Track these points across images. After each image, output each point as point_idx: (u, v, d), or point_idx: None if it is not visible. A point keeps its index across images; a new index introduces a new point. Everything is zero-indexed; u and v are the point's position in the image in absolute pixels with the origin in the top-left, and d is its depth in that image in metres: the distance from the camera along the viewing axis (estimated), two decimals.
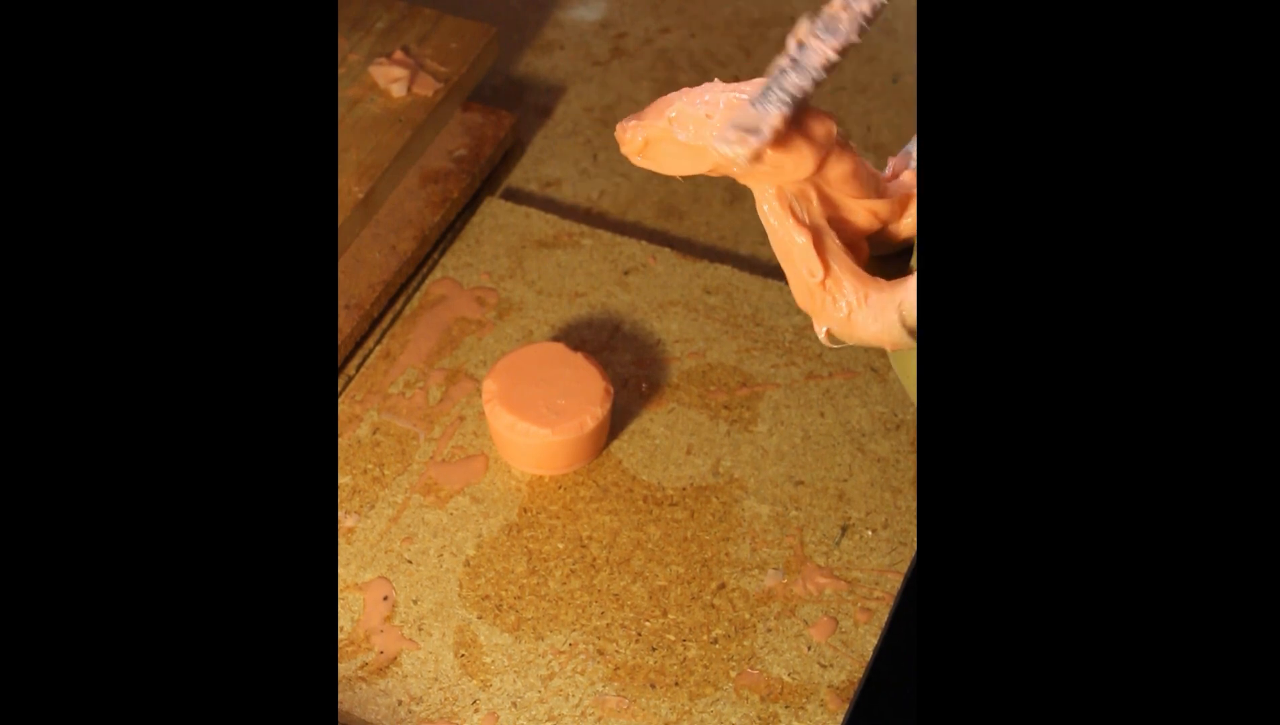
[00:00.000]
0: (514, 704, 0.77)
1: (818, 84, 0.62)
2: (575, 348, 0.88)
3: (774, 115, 0.62)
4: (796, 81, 0.62)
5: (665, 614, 0.80)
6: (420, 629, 0.80)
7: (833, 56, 0.62)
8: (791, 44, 0.63)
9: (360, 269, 0.93)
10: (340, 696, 0.77)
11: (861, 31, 0.62)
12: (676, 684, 0.78)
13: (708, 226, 0.99)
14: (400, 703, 0.77)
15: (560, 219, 0.98)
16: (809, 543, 0.83)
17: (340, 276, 0.92)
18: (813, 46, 0.62)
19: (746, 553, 0.82)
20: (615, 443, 0.87)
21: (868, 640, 0.79)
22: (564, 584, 0.81)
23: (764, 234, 0.98)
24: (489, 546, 0.83)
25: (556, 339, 0.92)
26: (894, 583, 0.80)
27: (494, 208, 0.98)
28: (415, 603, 0.81)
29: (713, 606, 0.81)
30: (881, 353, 0.90)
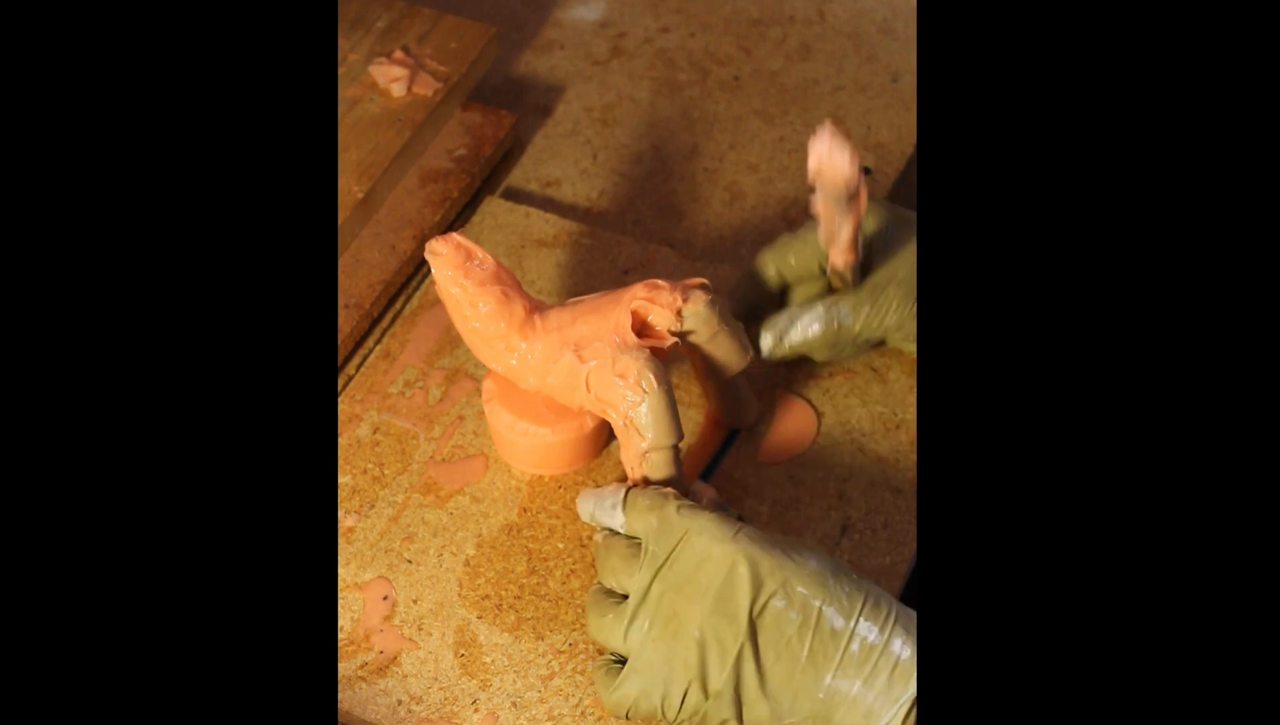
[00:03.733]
0: (514, 704, 0.77)
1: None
2: None
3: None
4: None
5: None
6: (420, 629, 0.80)
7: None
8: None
9: (360, 269, 0.93)
10: (340, 696, 0.77)
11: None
12: None
13: (708, 226, 0.99)
14: (400, 702, 0.77)
15: (560, 219, 0.98)
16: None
17: (340, 276, 0.92)
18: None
19: None
20: (615, 442, 0.87)
21: None
22: (564, 584, 0.81)
23: (764, 234, 0.98)
24: (489, 546, 0.83)
25: None
26: (894, 583, 0.80)
27: (494, 207, 0.98)
28: (415, 602, 0.81)
29: None
30: (881, 353, 0.90)
